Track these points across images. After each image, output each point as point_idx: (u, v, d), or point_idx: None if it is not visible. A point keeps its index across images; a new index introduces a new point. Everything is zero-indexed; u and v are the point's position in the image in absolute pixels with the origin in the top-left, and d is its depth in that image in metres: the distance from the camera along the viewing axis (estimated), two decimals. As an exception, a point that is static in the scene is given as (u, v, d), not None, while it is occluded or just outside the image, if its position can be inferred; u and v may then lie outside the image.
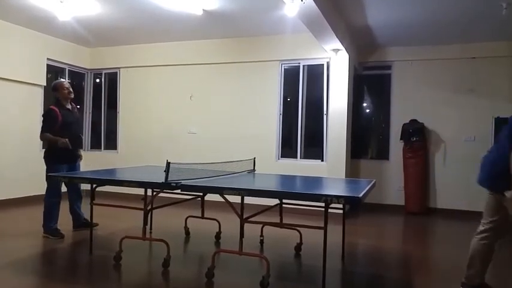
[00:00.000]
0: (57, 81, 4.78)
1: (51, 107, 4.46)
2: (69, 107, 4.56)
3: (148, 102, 7.48)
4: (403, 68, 6.80)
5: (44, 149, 4.58)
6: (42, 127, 4.42)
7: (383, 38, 6.38)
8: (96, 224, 4.54)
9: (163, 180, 3.22)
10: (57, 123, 4.35)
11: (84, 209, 4.54)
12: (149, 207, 3.80)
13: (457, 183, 6.38)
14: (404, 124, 6.62)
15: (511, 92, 6.13)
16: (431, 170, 6.61)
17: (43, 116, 4.53)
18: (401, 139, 6.64)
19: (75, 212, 4.71)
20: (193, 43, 7.05)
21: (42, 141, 4.83)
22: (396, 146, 6.78)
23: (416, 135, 6.46)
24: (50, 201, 4.40)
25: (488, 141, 5.81)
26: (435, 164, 6.61)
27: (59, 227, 4.43)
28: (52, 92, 4.59)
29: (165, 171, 3.25)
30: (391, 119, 6.91)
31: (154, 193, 3.92)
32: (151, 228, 4.67)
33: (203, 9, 5.25)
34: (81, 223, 4.68)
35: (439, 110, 6.57)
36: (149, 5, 5.16)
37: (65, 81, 4.65)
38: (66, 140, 4.30)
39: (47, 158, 4.43)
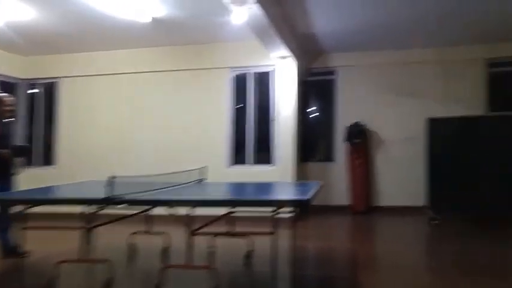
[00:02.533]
0: (1, 95, 4.39)
1: None
2: (3, 120, 4.21)
3: (91, 113, 7.12)
4: (346, 73, 7.08)
5: None
6: None
7: (327, 45, 6.60)
8: (26, 253, 4.09)
9: (105, 196, 3.06)
10: None
11: (16, 233, 4.15)
12: (89, 226, 3.58)
13: (396, 181, 6.74)
14: (347, 126, 6.87)
15: (441, 94, 6.58)
16: (373, 170, 6.91)
17: None
18: (345, 141, 6.88)
19: (3, 238, 4.22)
20: (142, 51, 6.84)
21: None
22: (341, 148, 7.01)
23: (360, 137, 6.73)
24: None
25: (422, 141, 6.17)
26: (377, 164, 6.92)
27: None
28: None
29: (107, 186, 3.09)
30: (336, 122, 7.15)
31: (96, 210, 3.71)
32: (92, 249, 4.40)
33: (152, 17, 5.12)
34: (10, 250, 4.16)
35: (379, 112, 6.91)
36: (91, 12, 4.94)
37: (11, 98, 4.27)
38: (7, 151, 4.01)
39: None
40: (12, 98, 4.35)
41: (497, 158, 5.74)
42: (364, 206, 6.71)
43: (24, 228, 3.48)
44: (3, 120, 4.21)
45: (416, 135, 6.48)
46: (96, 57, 7.04)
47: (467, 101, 6.41)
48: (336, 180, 6.99)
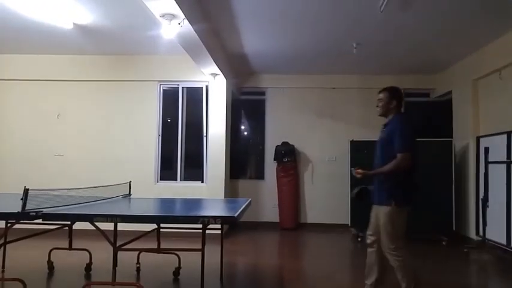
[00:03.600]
0: None
1: None
2: None
3: (8, 121, 6.54)
4: (275, 94, 7.39)
5: None
6: None
7: (257, 66, 6.84)
8: None
9: (19, 210, 2.84)
10: None
11: None
12: (2, 242, 3.29)
13: (322, 199, 7.11)
14: (277, 146, 7.13)
15: (362, 118, 7.14)
16: (301, 188, 7.23)
17: None
18: (274, 160, 7.12)
19: None
20: (64, 58, 6.46)
21: None
22: (271, 167, 7.24)
23: (288, 156, 7.01)
24: None
25: (346, 161, 6.60)
26: (304, 182, 7.25)
27: None
28: None
29: (21, 199, 2.88)
30: (266, 141, 7.38)
31: (9, 225, 3.41)
32: (3, 267, 4.03)
33: (73, 23, 4.90)
34: None
35: (306, 133, 7.29)
36: (9, 13, 4.61)
37: None
38: None
39: None
40: None
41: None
42: (293, 223, 6.94)
43: None
44: None
45: (341, 156, 6.93)
46: (12, 61, 6.52)
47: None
48: (266, 198, 7.19)
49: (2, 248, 3.53)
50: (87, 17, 4.74)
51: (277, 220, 7.06)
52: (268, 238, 6.46)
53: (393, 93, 3.24)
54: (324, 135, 7.28)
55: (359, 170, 3.23)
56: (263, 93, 7.47)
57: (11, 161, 6.43)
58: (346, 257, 5.39)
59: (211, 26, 4.93)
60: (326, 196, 7.10)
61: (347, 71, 7.01)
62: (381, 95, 3.27)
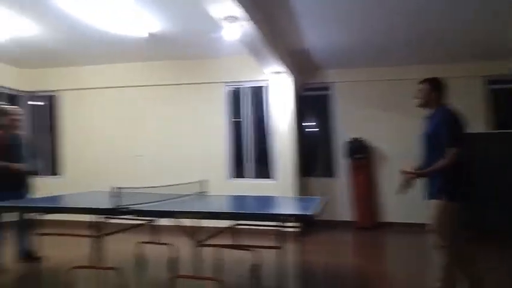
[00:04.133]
0: (5, 106, 4.51)
1: None
2: (12, 132, 4.34)
3: (94, 125, 7.19)
4: (342, 89, 7.19)
5: None
6: None
7: (321, 61, 6.72)
8: (40, 258, 4.24)
9: (112, 206, 3.10)
10: None
11: (30, 239, 4.23)
12: (99, 234, 3.62)
13: (402, 196, 6.72)
14: (347, 142, 6.95)
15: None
16: (377, 185, 6.95)
17: None
18: (345, 156, 6.95)
19: (20, 243, 4.37)
20: (138, 65, 6.95)
21: None
22: (342, 163, 7.07)
23: (360, 152, 6.80)
24: None
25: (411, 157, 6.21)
26: (380, 179, 6.96)
27: (1, 261, 4.06)
28: None
29: (115, 196, 3.14)
30: (335, 138, 7.22)
31: (104, 219, 3.74)
32: (101, 257, 4.42)
33: (148, 32, 5.21)
34: (26, 254, 4.33)
35: (377, 127, 6.98)
36: (90, 28, 5.03)
37: (16, 108, 4.39)
38: (22, 165, 4.18)
39: None
40: (18, 109, 4.44)
41: (493, 175, 5.81)
42: (370, 222, 6.70)
43: (39, 234, 3.52)
44: (13, 132, 4.32)
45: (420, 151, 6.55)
46: (97, 71, 7.12)
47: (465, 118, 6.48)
48: (339, 196, 7.02)
49: (100, 240, 3.88)
50: (157, 25, 5.02)
51: (352, 219, 6.87)
52: (344, 237, 6.31)
53: (434, 85, 3.16)
54: (396, 129, 6.94)
55: (407, 171, 3.15)
56: (328, 89, 7.32)
57: (99, 162, 7.05)
58: (430, 259, 5.10)
59: (272, 25, 4.93)
60: (407, 194, 6.69)
61: (419, 60, 6.61)
62: (421, 86, 3.19)
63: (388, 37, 5.40)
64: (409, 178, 3.12)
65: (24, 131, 4.59)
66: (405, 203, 6.68)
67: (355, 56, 6.34)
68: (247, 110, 6.70)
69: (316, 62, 6.78)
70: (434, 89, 3.14)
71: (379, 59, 6.53)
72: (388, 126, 6.96)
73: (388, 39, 5.51)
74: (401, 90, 6.92)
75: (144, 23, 4.93)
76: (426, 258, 2.99)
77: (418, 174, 3.10)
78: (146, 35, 5.25)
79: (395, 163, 6.85)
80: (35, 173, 4.41)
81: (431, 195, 3.01)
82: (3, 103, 6.04)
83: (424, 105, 3.18)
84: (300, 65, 6.80)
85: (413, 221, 6.54)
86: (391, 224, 6.81)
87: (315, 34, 5.32)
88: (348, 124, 7.14)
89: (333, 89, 7.28)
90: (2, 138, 4.20)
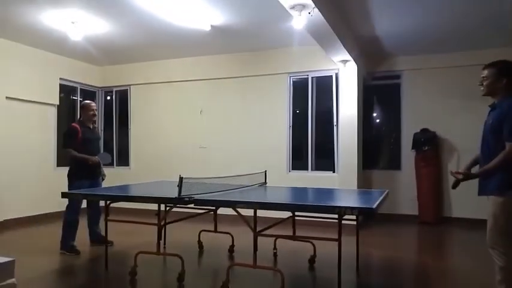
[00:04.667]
0: (86, 101, 4.94)
1: (73, 124, 4.71)
2: (90, 125, 4.73)
3: (159, 118, 7.57)
4: (412, 77, 6.79)
5: (68, 167, 4.66)
6: (64, 143, 4.65)
7: (391, 48, 6.40)
8: (111, 242, 4.60)
9: (176, 195, 3.24)
10: (77, 139, 4.51)
11: (100, 225, 4.61)
12: (163, 223, 3.82)
13: (470, 191, 6.25)
14: (415, 133, 6.58)
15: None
16: (444, 179, 6.53)
17: (65, 132, 4.74)
18: (413, 148, 6.60)
19: (92, 228, 4.79)
20: (202, 58, 7.15)
21: (54, 159, 4.98)
22: (408, 156, 6.73)
23: (428, 144, 6.42)
24: (70, 218, 4.47)
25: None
26: (448, 173, 6.51)
27: (75, 244, 4.48)
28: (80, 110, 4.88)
29: (178, 186, 3.27)
30: (402, 129, 6.87)
31: (168, 208, 3.94)
32: (165, 243, 4.69)
33: (211, 25, 5.33)
34: (97, 239, 4.73)
35: (450, 118, 6.52)
36: (157, 22, 5.26)
37: (93, 103, 4.83)
38: (97, 157, 4.58)
39: (71, 175, 4.54)
40: (94, 104, 4.81)
41: None
42: (434, 217, 6.35)
43: (108, 221, 3.81)
44: (91, 125, 4.71)
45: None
46: (163, 65, 7.45)
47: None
48: (403, 189, 6.70)
49: (163, 228, 4.11)
50: (221, 18, 5.11)
51: (415, 213, 6.54)
52: (405, 232, 6.06)
53: (502, 70, 2.68)
54: (471, 120, 6.40)
55: (459, 171, 2.88)
56: (397, 77, 6.96)
57: (164, 153, 7.42)
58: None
59: (341, 12, 4.79)
60: (474, 188, 6.22)
61: (499, 43, 6.02)
62: (486, 72, 2.74)
63: (460, 18, 4.99)
64: (459, 178, 2.81)
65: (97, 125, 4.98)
66: (473, 198, 6.18)
67: (429, 40, 5.95)
68: (310, 101, 6.61)
69: (385, 49, 6.48)
70: (502, 75, 2.66)
71: (451, 43, 6.06)
72: (462, 116, 6.44)
73: (461, 21, 5.09)
74: (476, 77, 6.36)
75: (206, 16, 5.04)
76: (490, 256, 2.78)
77: (471, 175, 2.80)
78: (209, 27, 5.38)
79: (467, 156, 6.37)
80: (108, 164, 4.77)
81: (492, 191, 2.71)
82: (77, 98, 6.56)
83: (490, 93, 2.76)
84: (368, 52, 6.54)
85: (480, 217, 6.03)
86: (457, 220, 6.38)
87: (383, 19, 5.09)
88: (416, 114, 6.74)
89: (402, 77, 6.91)
90: (82, 131, 4.57)
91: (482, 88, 2.81)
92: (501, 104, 2.67)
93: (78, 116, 4.69)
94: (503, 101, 2.67)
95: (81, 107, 4.85)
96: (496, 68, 2.71)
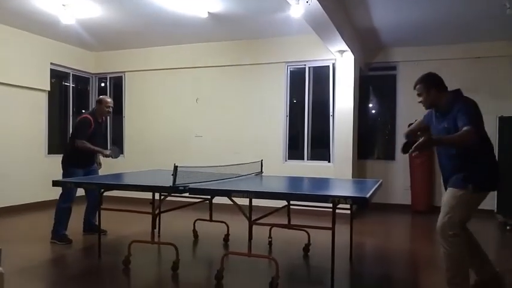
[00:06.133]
0: (103, 96, 4.87)
1: (87, 115, 4.59)
2: (100, 119, 4.67)
3: (154, 105, 7.48)
4: (408, 68, 6.78)
5: (63, 154, 4.62)
6: (77, 134, 4.49)
7: (388, 39, 6.38)
8: (105, 231, 4.57)
9: (171, 184, 3.22)
10: (89, 131, 4.46)
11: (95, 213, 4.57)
12: (157, 211, 3.79)
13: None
14: (410, 124, 6.57)
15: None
16: (436, 169, 6.57)
17: (78, 123, 4.60)
18: (406, 139, 6.61)
19: (88, 218, 4.75)
20: (198, 46, 7.05)
21: (65, 148, 4.97)
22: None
23: (423, 135, 6.42)
24: (62, 207, 4.41)
25: (493, 140, 5.75)
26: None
27: (67, 233, 4.43)
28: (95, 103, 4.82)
29: (172, 174, 3.25)
30: (397, 119, 6.89)
31: (162, 197, 3.92)
32: (159, 232, 4.67)
33: (208, 12, 5.25)
34: (90, 228, 4.69)
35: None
36: (153, 8, 5.17)
37: (109, 98, 4.75)
38: (110, 151, 4.57)
39: (66, 162, 4.49)
40: (110, 100, 4.72)
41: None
42: (426, 206, 6.43)
43: (101, 210, 3.77)
44: (99, 120, 4.65)
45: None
46: (158, 52, 7.34)
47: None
48: (396, 179, 6.77)
49: (158, 217, 4.08)
50: (219, 5, 5.03)
51: (408, 202, 6.61)
52: (398, 221, 6.13)
53: (427, 83, 2.89)
54: (465, 111, 6.45)
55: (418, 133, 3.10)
56: (394, 68, 6.95)
57: (159, 142, 7.36)
58: (489, 246, 4.77)
59: (339, 1, 4.74)
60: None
61: (495, 36, 6.02)
62: (417, 89, 2.94)
63: (458, 9, 4.96)
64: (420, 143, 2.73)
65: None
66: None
67: (427, 32, 5.93)
68: (307, 91, 6.58)
69: (382, 40, 6.46)
70: (429, 87, 2.87)
71: (448, 35, 6.05)
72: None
73: (458, 12, 5.07)
74: (475, 68, 6.39)
75: (204, 2, 4.96)
76: (485, 246, 2.82)
77: (429, 141, 2.72)
78: (206, 14, 5.29)
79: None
80: (115, 156, 4.72)
81: (455, 185, 2.79)
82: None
83: (431, 106, 2.94)
84: (366, 43, 6.52)
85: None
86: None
87: (380, 10, 5.06)
88: (411, 106, 6.71)
89: (398, 68, 6.90)
90: (96, 125, 4.53)
91: (423, 104, 2.97)
92: (451, 109, 2.77)
93: (92, 108, 4.69)
94: (451, 106, 2.78)
95: (97, 100, 4.74)
96: (422, 83, 2.91)
